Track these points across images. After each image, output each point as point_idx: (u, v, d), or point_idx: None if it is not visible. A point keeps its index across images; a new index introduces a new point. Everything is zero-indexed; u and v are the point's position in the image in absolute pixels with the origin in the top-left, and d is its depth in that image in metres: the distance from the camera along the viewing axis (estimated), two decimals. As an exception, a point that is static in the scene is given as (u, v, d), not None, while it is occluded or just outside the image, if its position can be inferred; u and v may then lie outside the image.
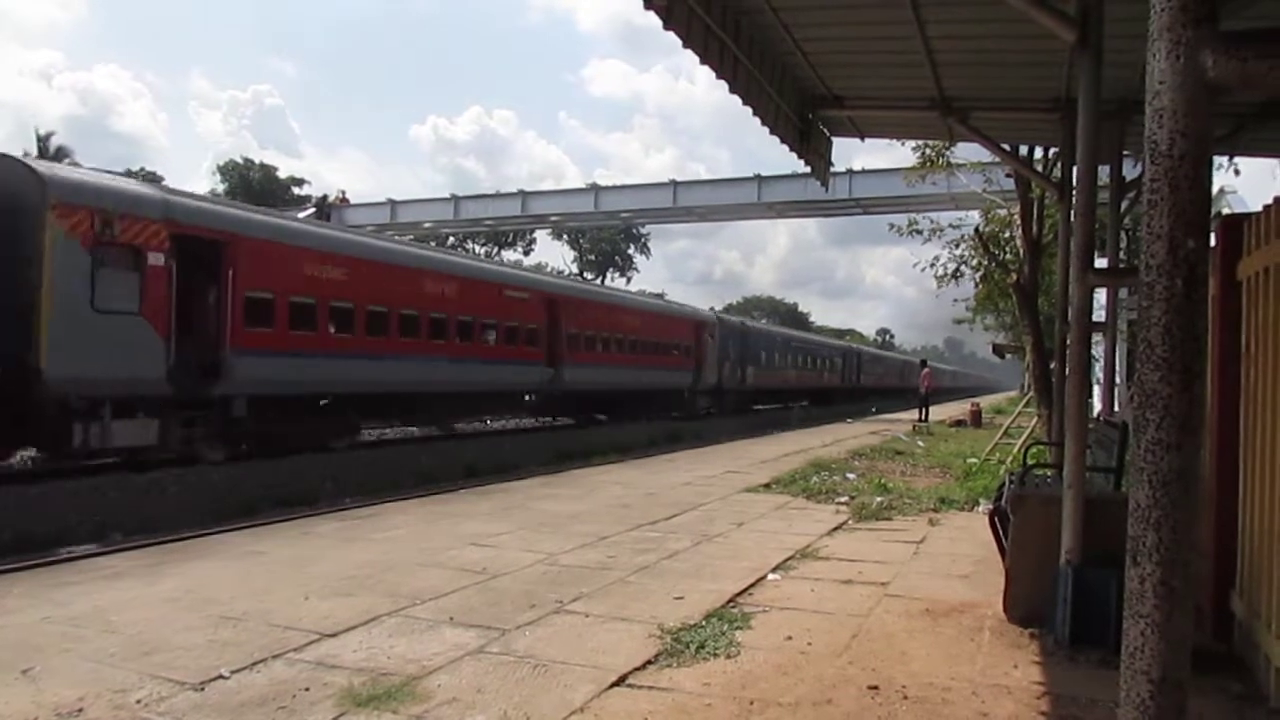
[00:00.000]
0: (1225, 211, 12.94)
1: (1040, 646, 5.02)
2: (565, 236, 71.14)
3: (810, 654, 4.81)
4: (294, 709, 3.88)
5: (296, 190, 65.03)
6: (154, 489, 11.94)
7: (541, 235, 69.22)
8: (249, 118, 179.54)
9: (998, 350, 29.15)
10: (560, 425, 27.97)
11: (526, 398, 26.71)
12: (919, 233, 21.24)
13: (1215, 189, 16.04)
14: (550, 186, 73.82)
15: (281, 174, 67.54)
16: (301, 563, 6.82)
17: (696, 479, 12.98)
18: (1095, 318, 7.49)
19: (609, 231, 69.24)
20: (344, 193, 49.24)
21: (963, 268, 21.38)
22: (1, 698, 3.92)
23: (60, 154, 44.60)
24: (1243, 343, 4.72)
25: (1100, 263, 9.18)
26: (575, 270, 70.84)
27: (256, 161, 66.87)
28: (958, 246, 21.12)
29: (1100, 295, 9.84)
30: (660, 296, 52.75)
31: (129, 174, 46.12)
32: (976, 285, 22.83)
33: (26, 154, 28.14)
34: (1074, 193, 6.00)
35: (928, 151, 17.94)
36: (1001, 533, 6.21)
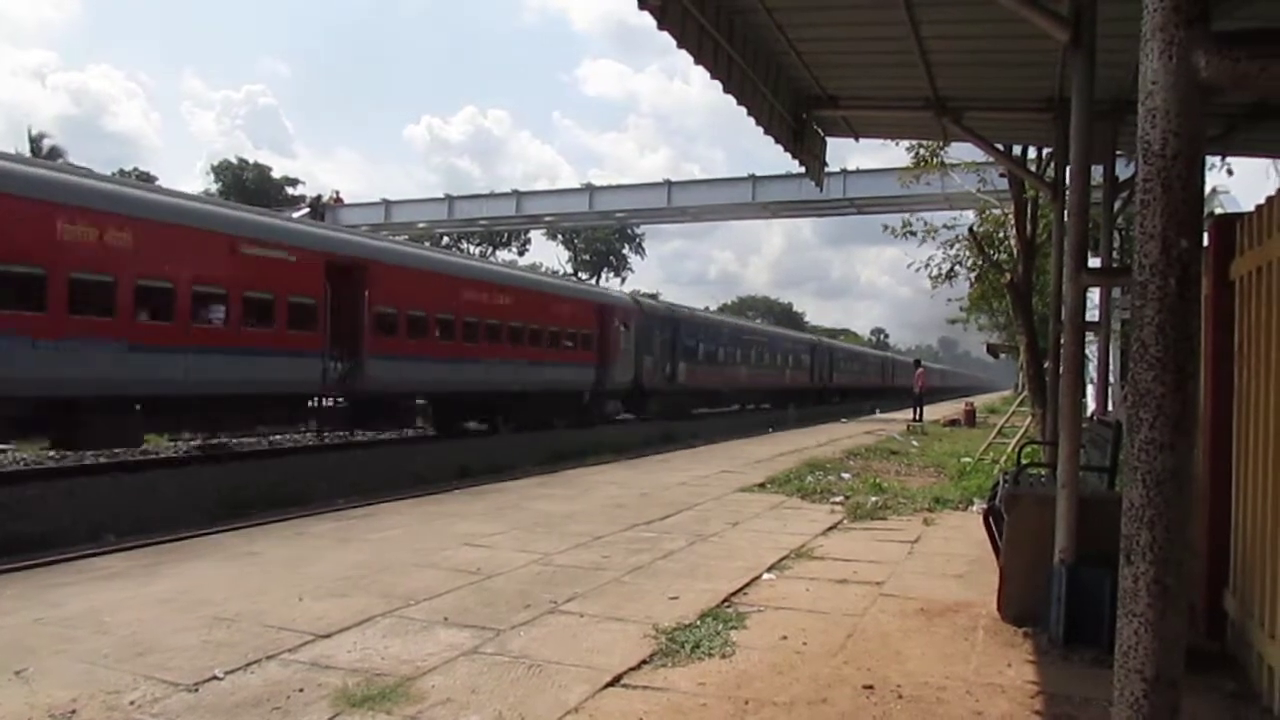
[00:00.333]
0: (1218, 211, 12.99)
1: (1034, 645, 5.03)
2: (560, 237, 71.16)
3: (805, 653, 4.81)
4: (288, 710, 3.87)
5: (290, 190, 64.93)
6: (148, 489, 11.92)
7: (536, 235, 69.31)
8: (243, 117, 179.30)
9: (992, 350, 29.25)
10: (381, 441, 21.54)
11: (312, 402, 18.67)
12: (913, 234, 21.27)
13: (1208, 189, 16.08)
14: (545, 186, 73.90)
15: (275, 174, 67.49)
16: (296, 563, 6.81)
17: (691, 479, 12.98)
18: (1089, 317, 7.50)
19: (603, 232, 69.22)
20: (338, 193, 49.33)
21: (957, 268, 21.41)
22: (-6, 699, 3.91)
23: (54, 154, 44.52)
24: (1235, 342, 4.73)
25: (1094, 262, 9.22)
26: (570, 270, 70.76)
27: (250, 161, 66.77)
28: (952, 247, 21.15)
29: (1094, 295, 9.87)
30: (598, 287, 49.41)
31: (122, 174, 46.09)
32: (971, 285, 22.86)
33: (19, 154, 28.08)
34: (1067, 192, 6.01)
35: (921, 152, 17.96)
36: (996, 532, 6.22)
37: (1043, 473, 7.48)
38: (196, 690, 4.06)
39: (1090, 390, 13.14)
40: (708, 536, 8.27)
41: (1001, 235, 19.29)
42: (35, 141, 47.88)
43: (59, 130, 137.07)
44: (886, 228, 22.24)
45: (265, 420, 18.07)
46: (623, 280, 75.03)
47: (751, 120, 8.04)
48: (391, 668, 4.41)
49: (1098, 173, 9.23)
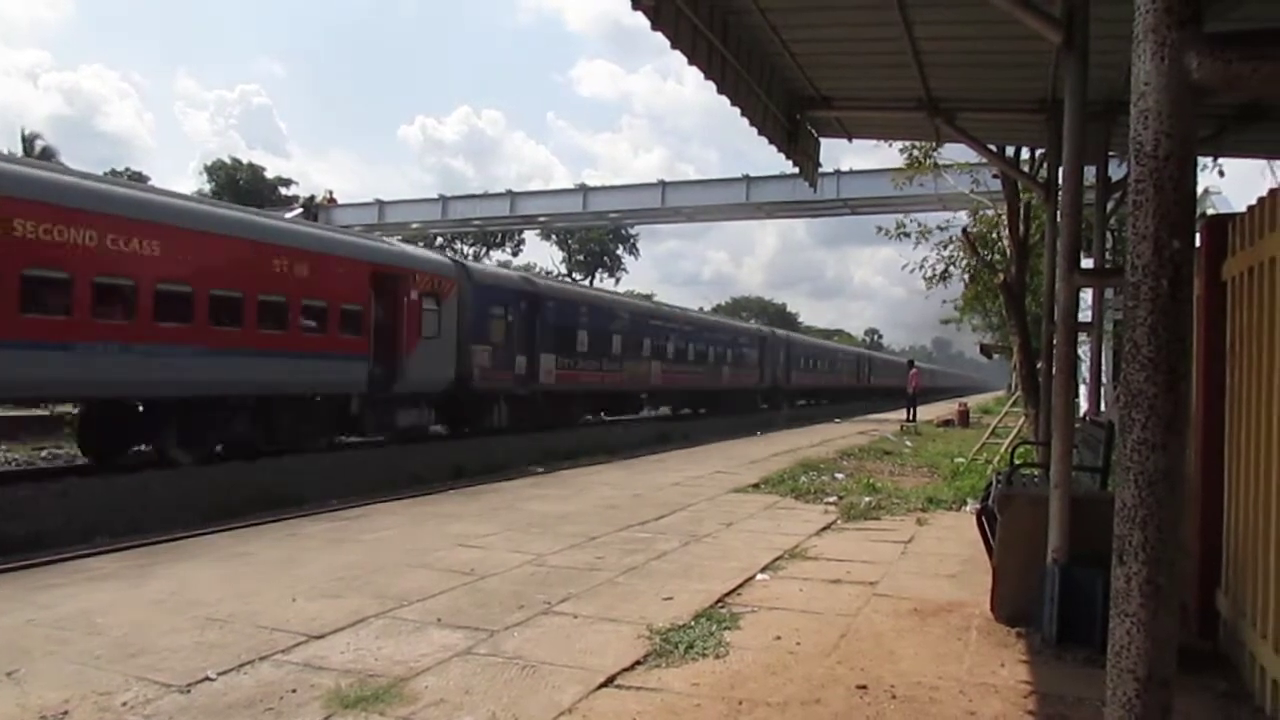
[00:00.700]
0: (1210, 212, 13.02)
1: (1027, 645, 5.05)
2: (554, 237, 71.09)
3: (799, 654, 4.82)
4: (281, 711, 3.86)
5: (284, 190, 64.76)
6: (141, 490, 11.88)
7: (530, 236, 69.21)
8: (236, 118, 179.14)
9: (985, 350, 29.26)
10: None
11: None
12: (907, 235, 21.32)
13: (1200, 190, 16.13)
14: (538, 187, 73.83)
15: (269, 174, 67.26)
16: (289, 564, 6.80)
17: (685, 479, 12.98)
18: (1081, 318, 7.52)
19: (597, 232, 69.20)
20: (331, 193, 49.16)
21: (951, 268, 21.47)
22: (-15, 701, 3.89)
23: (46, 154, 44.34)
24: (1227, 342, 4.75)
25: (1086, 263, 9.22)
26: (564, 270, 70.72)
27: (244, 162, 66.58)
28: (946, 247, 21.21)
29: (1086, 295, 9.91)
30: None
31: (114, 174, 45.98)
32: (965, 286, 22.92)
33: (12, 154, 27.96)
34: (1060, 193, 6.02)
35: (915, 153, 17.99)
36: (989, 532, 6.23)
37: (1035, 473, 7.49)
38: (189, 691, 4.05)
39: (1083, 391, 13.16)
40: (702, 537, 8.27)
41: (995, 236, 19.35)
42: (28, 142, 47.64)
43: (52, 130, 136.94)
44: (880, 229, 22.32)
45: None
46: (617, 281, 75.10)
47: (745, 121, 8.03)
48: (385, 668, 4.41)
49: (1090, 173, 9.25)
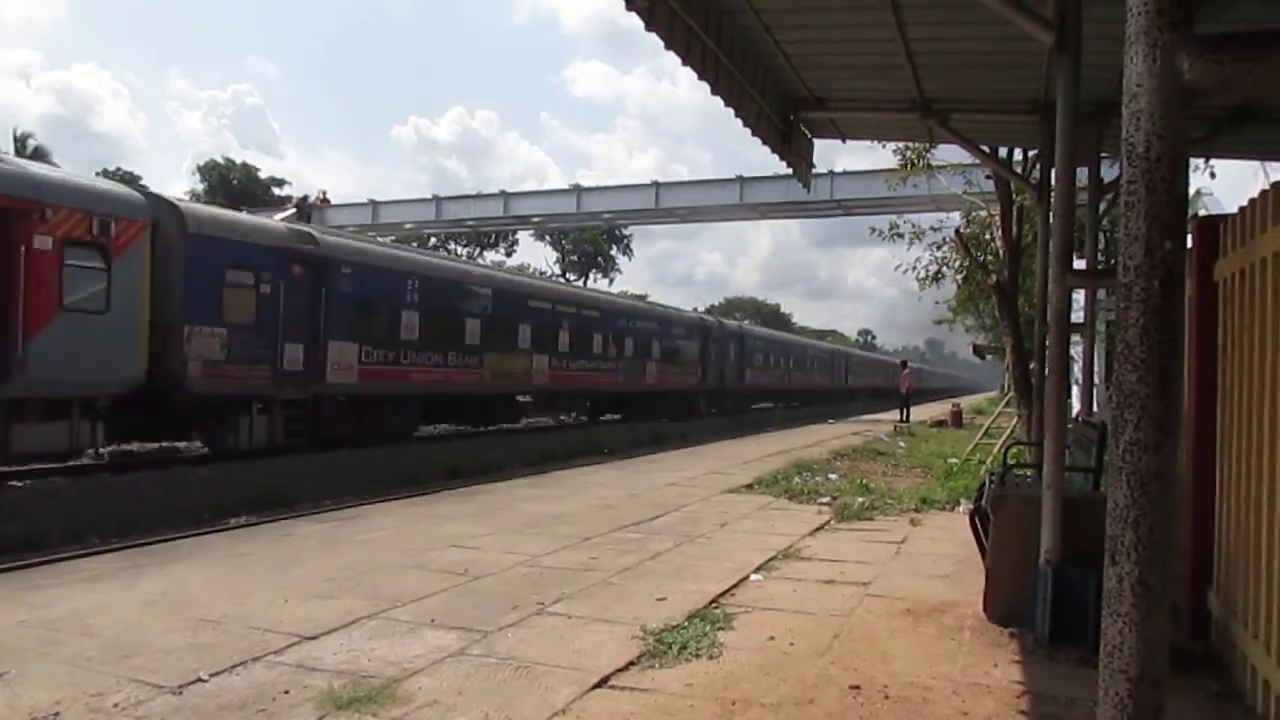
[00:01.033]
0: (1202, 213, 13.07)
1: (1020, 645, 5.06)
2: (548, 237, 71.01)
3: (792, 654, 4.82)
4: (274, 712, 3.85)
5: (277, 191, 64.69)
6: (133, 491, 11.83)
7: (524, 236, 69.16)
8: (229, 117, 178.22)
9: (978, 351, 29.33)
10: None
11: None
12: (900, 236, 21.33)
13: (1192, 191, 16.17)
14: (533, 187, 73.45)
15: (262, 174, 67.17)
16: (283, 565, 6.78)
17: (680, 480, 12.98)
18: (1074, 319, 7.54)
19: (591, 233, 69.13)
20: (325, 193, 49.02)
21: (944, 269, 21.48)
22: (-24, 703, 3.88)
23: (38, 154, 44.17)
24: (1219, 343, 4.77)
25: (1079, 264, 9.25)
26: (558, 271, 70.64)
27: (237, 162, 66.46)
28: (939, 248, 21.22)
29: (1079, 296, 9.92)
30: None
31: (105, 174, 45.84)
32: (958, 286, 22.94)
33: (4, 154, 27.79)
34: (1052, 194, 6.05)
35: (908, 154, 18.01)
36: (982, 532, 6.24)
37: (1028, 474, 7.51)
38: (181, 693, 4.04)
39: (1075, 391, 13.20)
40: (696, 538, 8.27)
41: (987, 237, 19.36)
42: (20, 142, 47.49)
43: (44, 130, 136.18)
44: (874, 229, 22.29)
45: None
46: (610, 281, 75.07)
47: (739, 122, 8.05)
48: (378, 669, 4.40)
49: (1083, 175, 9.28)
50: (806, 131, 9.80)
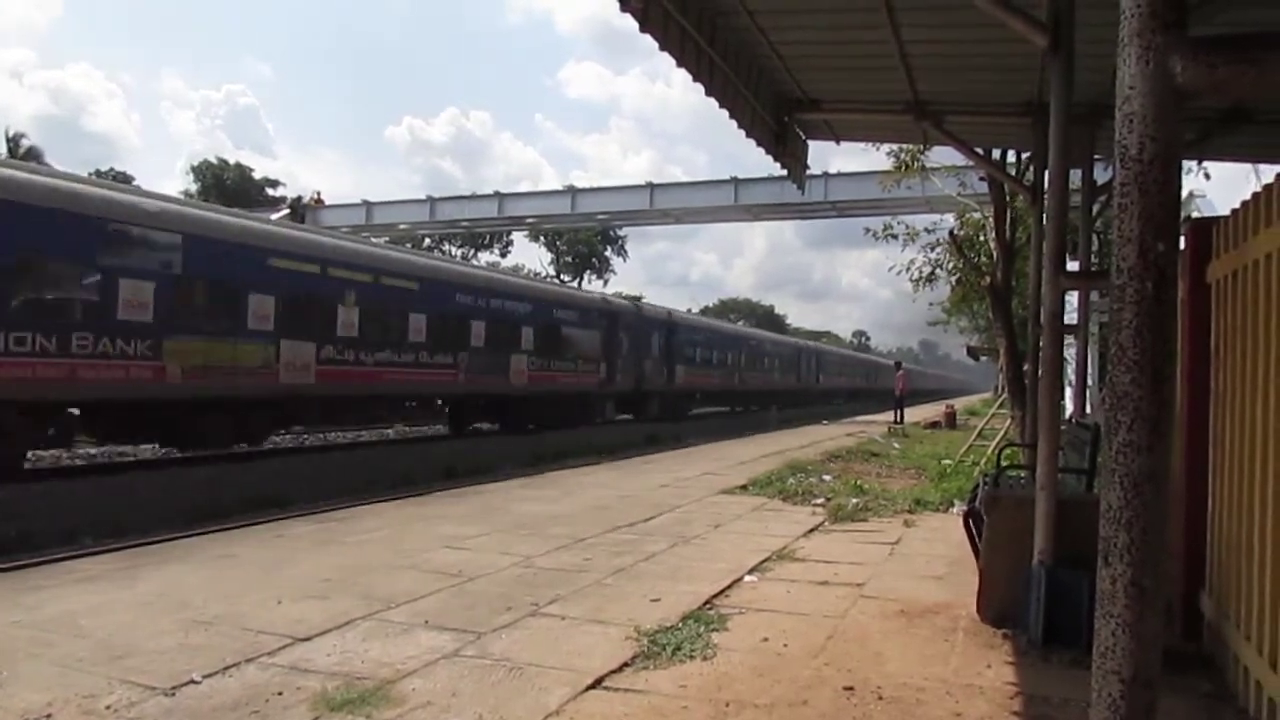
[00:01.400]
0: (1195, 215, 13.10)
1: (1013, 646, 5.06)
2: (542, 238, 70.88)
3: (786, 655, 4.82)
4: (267, 713, 3.84)
5: (271, 191, 64.46)
6: (127, 491, 11.80)
7: (518, 237, 68.96)
8: (223, 118, 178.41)
9: (972, 353, 29.41)
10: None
11: None
12: (894, 237, 21.38)
13: (1185, 193, 16.24)
14: (527, 188, 73.32)
15: (256, 174, 66.96)
16: (276, 565, 6.76)
17: (674, 480, 12.98)
18: (1067, 320, 7.55)
19: (586, 233, 69.04)
20: (319, 193, 48.89)
21: (938, 271, 21.53)
22: (-33, 705, 3.86)
23: (31, 155, 44.03)
24: (1212, 345, 4.78)
25: (1072, 266, 9.27)
26: (552, 272, 70.55)
27: (231, 162, 66.27)
28: (933, 250, 21.28)
29: (1072, 298, 9.95)
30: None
31: (98, 174, 45.71)
32: (951, 288, 22.99)
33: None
34: (1046, 196, 6.05)
35: (902, 156, 18.04)
36: (976, 534, 6.25)
37: (1022, 475, 7.53)
38: (173, 694, 4.02)
39: (1069, 393, 13.22)
40: (690, 539, 8.27)
41: (981, 238, 19.38)
42: (13, 141, 47.32)
43: (37, 130, 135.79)
44: (868, 231, 22.36)
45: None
46: (605, 282, 74.97)
47: (734, 123, 8.05)
48: (371, 671, 4.39)
49: (1076, 176, 9.30)
50: (801, 133, 9.80)
